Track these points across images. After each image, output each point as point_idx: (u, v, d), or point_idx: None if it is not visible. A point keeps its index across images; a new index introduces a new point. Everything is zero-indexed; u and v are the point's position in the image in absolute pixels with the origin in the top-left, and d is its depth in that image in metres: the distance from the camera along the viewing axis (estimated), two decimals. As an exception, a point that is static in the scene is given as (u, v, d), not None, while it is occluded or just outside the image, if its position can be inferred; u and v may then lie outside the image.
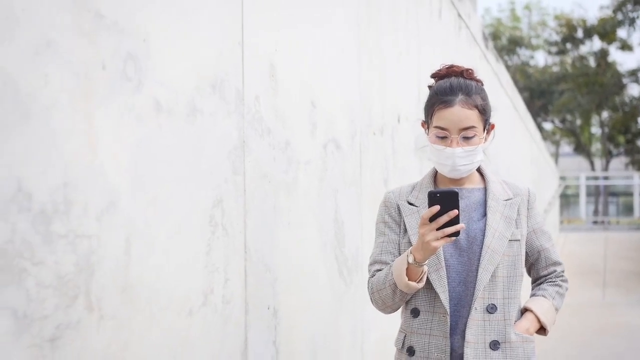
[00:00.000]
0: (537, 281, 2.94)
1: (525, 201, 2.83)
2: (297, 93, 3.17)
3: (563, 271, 2.94)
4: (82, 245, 1.86)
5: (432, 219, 2.44)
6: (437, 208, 2.43)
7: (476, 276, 2.66)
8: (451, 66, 2.80)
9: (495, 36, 43.20)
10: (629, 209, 40.17)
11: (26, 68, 1.69)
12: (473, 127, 2.66)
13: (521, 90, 36.84)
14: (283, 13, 3.06)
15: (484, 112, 2.71)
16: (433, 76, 2.83)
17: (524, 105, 15.79)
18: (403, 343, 2.76)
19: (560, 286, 2.90)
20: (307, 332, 3.26)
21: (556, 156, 45.93)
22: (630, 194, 38.56)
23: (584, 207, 35.57)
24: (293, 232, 3.11)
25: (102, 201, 1.93)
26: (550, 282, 2.90)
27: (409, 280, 2.57)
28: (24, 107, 1.68)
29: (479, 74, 2.86)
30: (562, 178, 32.98)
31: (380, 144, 4.33)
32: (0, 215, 1.61)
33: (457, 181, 2.78)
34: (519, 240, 2.76)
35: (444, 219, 2.43)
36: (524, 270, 2.84)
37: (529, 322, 2.77)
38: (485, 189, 2.81)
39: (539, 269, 2.91)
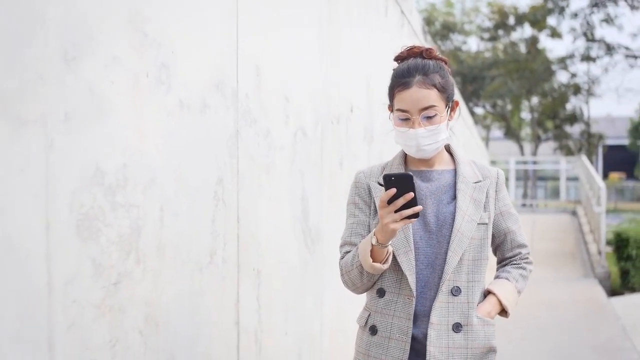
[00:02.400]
0: (502, 262, 2.98)
1: (494, 183, 2.86)
2: (276, 89, 3.74)
3: (528, 253, 2.96)
4: (133, 213, 2.43)
5: (391, 201, 2.50)
6: (393, 191, 2.47)
7: (444, 259, 2.70)
8: (411, 47, 2.81)
9: (429, 21, 43.79)
10: (556, 193, 41.23)
11: (100, 77, 2.25)
12: (433, 106, 2.66)
13: (454, 74, 37.56)
14: (266, 25, 3.62)
15: (443, 90, 2.71)
16: (396, 59, 2.84)
17: (459, 93, 16.46)
18: (366, 321, 2.82)
19: (524, 268, 2.93)
20: (281, 290, 3.84)
21: (487, 140, 46.81)
22: (558, 179, 39.68)
23: (513, 190, 36.46)
24: (272, 206, 3.69)
25: (146, 178, 2.50)
26: (515, 264, 2.93)
27: (373, 261, 2.62)
28: (98, 107, 2.24)
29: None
30: (493, 162, 33.78)
31: (337, 131, 4.91)
32: (85, 188, 2.17)
33: (427, 162, 2.81)
34: (486, 223, 2.78)
35: (400, 201, 2.47)
36: (490, 253, 2.88)
37: (491, 305, 2.79)
38: (455, 170, 2.83)
39: (504, 251, 2.94)
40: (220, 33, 3.10)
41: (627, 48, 39.59)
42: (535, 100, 45.16)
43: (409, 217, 2.50)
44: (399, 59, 2.82)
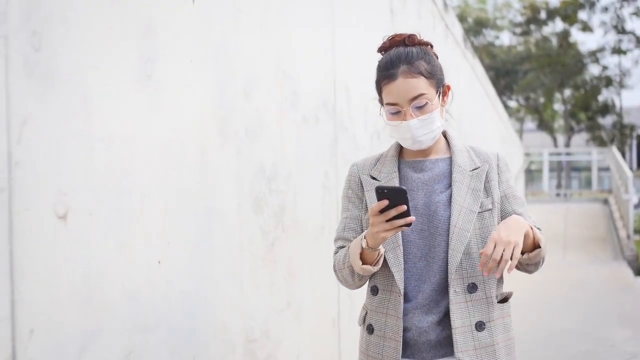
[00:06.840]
0: None
1: (495, 167, 2.66)
2: (358, 103, 4.80)
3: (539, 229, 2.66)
4: (279, 196, 3.51)
5: (383, 211, 2.35)
6: (385, 203, 2.33)
7: (441, 252, 2.56)
8: (393, 36, 2.67)
9: (462, 18, 44.36)
10: (589, 183, 41.76)
11: (262, 104, 3.33)
12: (422, 94, 2.51)
13: (487, 69, 38.18)
14: (353, 57, 4.69)
15: (430, 76, 2.55)
16: (379, 50, 2.71)
17: (494, 91, 17.43)
18: (364, 320, 2.72)
19: (537, 227, 2.63)
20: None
21: (520, 132, 47.26)
22: (591, 169, 40.30)
23: (547, 181, 37.06)
24: (357, 193, 4.75)
25: (286, 172, 3.58)
26: None
27: (363, 264, 2.51)
28: (261, 124, 3.32)
29: (435, 48, 2.78)
30: (527, 154, 34.43)
31: (399, 132, 5.97)
32: (256, 180, 3.25)
33: (423, 151, 2.65)
34: (490, 209, 2.61)
35: (392, 212, 2.33)
36: None
37: (513, 220, 2.45)
38: (451, 159, 2.67)
39: None
40: (324, 66, 4.17)
41: (657, 40, 40.26)
42: (567, 92, 45.72)
43: (401, 226, 2.37)
44: (382, 50, 2.69)
